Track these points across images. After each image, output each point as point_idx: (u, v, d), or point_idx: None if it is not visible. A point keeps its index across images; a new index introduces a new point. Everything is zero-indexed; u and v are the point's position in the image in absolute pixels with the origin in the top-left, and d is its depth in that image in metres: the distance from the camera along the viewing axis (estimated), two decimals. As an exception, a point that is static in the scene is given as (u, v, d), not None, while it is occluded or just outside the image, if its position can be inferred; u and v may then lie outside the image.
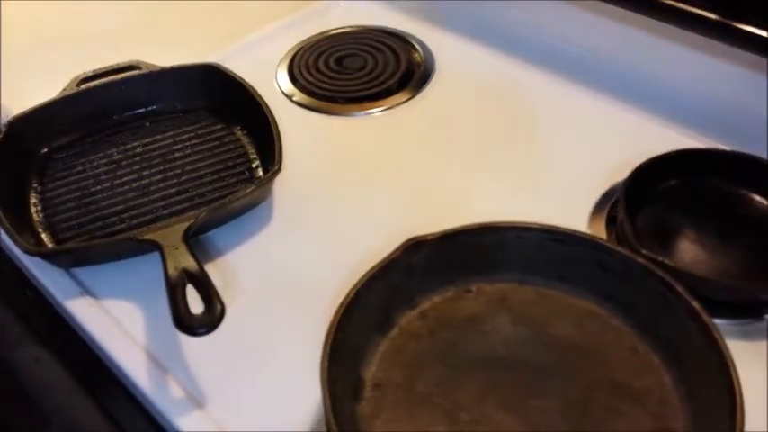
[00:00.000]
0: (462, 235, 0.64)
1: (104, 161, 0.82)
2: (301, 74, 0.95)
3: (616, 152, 0.79)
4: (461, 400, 0.58)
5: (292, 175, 0.78)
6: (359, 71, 0.94)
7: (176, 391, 0.62)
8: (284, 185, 0.78)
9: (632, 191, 0.71)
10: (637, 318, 0.62)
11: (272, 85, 0.94)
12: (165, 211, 0.76)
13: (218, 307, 0.59)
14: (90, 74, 0.85)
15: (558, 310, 0.64)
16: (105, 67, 0.86)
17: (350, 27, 1.03)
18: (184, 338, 0.61)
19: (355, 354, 0.60)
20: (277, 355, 0.65)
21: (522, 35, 0.96)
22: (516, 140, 0.85)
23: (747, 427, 0.51)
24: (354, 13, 1.05)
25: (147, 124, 0.86)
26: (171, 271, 0.63)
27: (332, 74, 0.94)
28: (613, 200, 0.74)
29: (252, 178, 0.79)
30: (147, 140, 0.84)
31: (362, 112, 0.90)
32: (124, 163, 0.81)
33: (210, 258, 0.73)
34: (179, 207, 0.76)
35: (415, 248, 0.62)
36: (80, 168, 0.81)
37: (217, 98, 0.86)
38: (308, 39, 1.01)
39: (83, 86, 0.84)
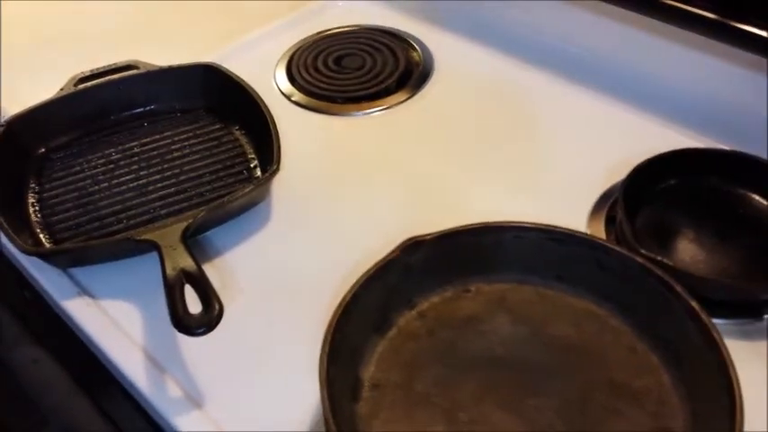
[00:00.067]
0: (461, 235, 0.64)
1: (102, 161, 0.81)
2: (300, 73, 0.94)
3: (615, 152, 0.79)
4: (460, 400, 0.58)
5: (291, 174, 0.78)
6: (357, 71, 0.94)
7: (174, 390, 0.62)
8: (283, 185, 0.78)
9: (631, 191, 0.71)
10: (636, 317, 0.62)
11: (271, 84, 0.94)
12: (163, 211, 0.76)
13: (217, 307, 0.59)
14: (88, 73, 0.85)
15: (557, 309, 0.64)
16: (103, 67, 0.86)
17: (348, 27, 1.03)
18: (182, 338, 0.61)
19: (354, 354, 0.60)
20: (275, 355, 0.65)
21: (522, 35, 0.96)
22: (515, 140, 0.84)
23: (747, 427, 0.51)
24: (353, 13, 1.05)
25: (145, 124, 0.86)
26: (169, 271, 0.63)
27: (330, 73, 0.94)
28: (612, 200, 0.74)
29: (250, 178, 0.79)
30: (145, 140, 0.83)
31: (361, 112, 0.90)
32: (122, 163, 0.81)
33: (209, 258, 0.72)
34: (177, 207, 0.76)
35: (413, 248, 0.62)
36: (78, 168, 0.81)
37: (215, 98, 0.86)
38: (307, 38, 1.01)
39: (80, 86, 0.84)
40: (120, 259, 0.72)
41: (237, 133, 0.84)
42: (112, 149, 0.83)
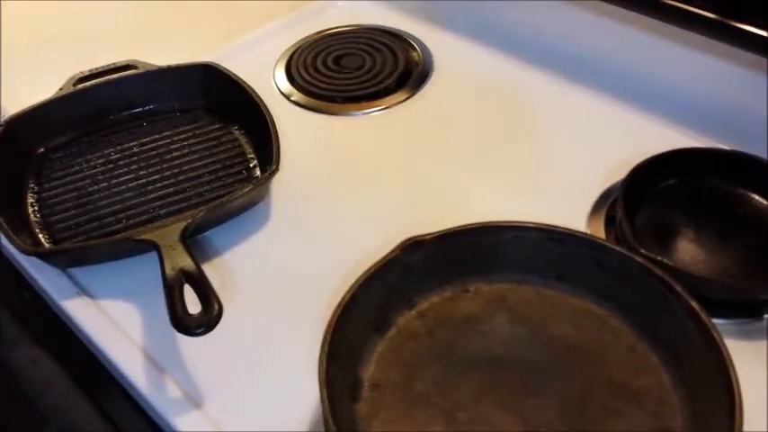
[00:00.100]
0: (460, 235, 0.64)
1: (101, 161, 0.81)
2: (299, 73, 0.94)
3: (615, 152, 0.79)
4: (459, 399, 0.58)
5: (290, 174, 0.78)
6: (357, 70, 0.94)
7: (174, 391, 0.62)
8: (282, 185, 0.78)
9: (631, 190, 0.70)
10: (635, 317, 0.62)
11: (270, 84, 0.94)
12: (163, 211, 0.75)
13: (216, 307, 0.59)
14: (87, 73, 0.85)
15: (557, 309, 0.64)
16: (102, 67, 0.86)
17: (347, 26, 1.02)
18: (182, 338, 0.61)
19: (353, 354, 0.60)
20: (275, 355, 0.65)
21: (521, 34, 0.96)
22: (515, 140, 0.84)
23: (746, 426, 0.50)
24: (352, 13, 1.05)
25: (145, 124, 0.86)
26: (168, 271, 0.63)
27: (330, 73, 0.94)
28: (612, 199, 0.74)
29: (249, 178, 0.79)
30: (144, 140, 0.83)
31: (360, 112, 0.90)
32: (121, 163, 0.81)
33: (208, 258, 0.72)
34: (176, 207, 0.76)
35: (412, 248, 0.62)
36: (77, 168, 0.81)
37: (214, 98, 0.86)
38: (306, 38, 1.01)
39: (79, 86, 0.84)
40: (120, 259, 0.72)
41: (237, 133, 0.84)
42: (111, 149, 0.83)
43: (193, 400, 0.62)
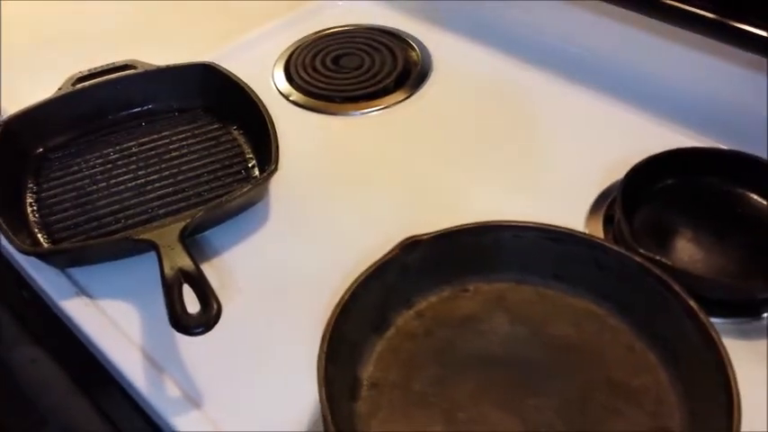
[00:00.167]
0: (459, 234, 0.64)
1: (100, 161, 0.81)
2: (298, 73, 0.94)
3: (615, 152, 0.79)
4: (458, 399, 0.58)
5: (289, 174, 0.78)
6: (355, 70, 0.94)
7: (173, 390, 0.62)
8: (281, 185, 0.78)
9: (629, 190, 0.70)
10: (634, 316, 0.62)
11: (269, 84, 0.94)
12: (161, 211, 0.75)
13: (215, 307, 0.59)
14: (86, 73, 0.85)
15: (556, 309, 0.64)
16: (101, 67, 0.86)
17: (346, 26, 1.02)
18: (181, 338, 0.61)
19: (352, 353, 0.60)
20: (274, 354, 0.65)
21: (520, 34, 0.96)
22: (514, 140, 0.84)
23: (745, 426, 0.50)
24: (351, 13, 1.05)
25: (143, 124, 0.86)
26: (167, 271, 0.63)
27: (328, 73, 0.94)
28: (611, 199, 0.74)
29: (248, 178, 0.79)
30: (143, 140, 0.83)
31: (359, 112, 0.90)
32: (120, 162, 0.81)
33: (207, 258, 0.72)
34: (175, 207, 0.76)
35: (411, 248, 0.62)
36: (76, 168, 0.81)
37: (213, 97, 0.86)
38: (305, 38, 1.01)
39: (78, 86, 0.84)
40: (119, 259, 0.72)
41: (235, 133, 0.84)
42: (110, 149, 0.83)
43: (193, 399, 0.62)
